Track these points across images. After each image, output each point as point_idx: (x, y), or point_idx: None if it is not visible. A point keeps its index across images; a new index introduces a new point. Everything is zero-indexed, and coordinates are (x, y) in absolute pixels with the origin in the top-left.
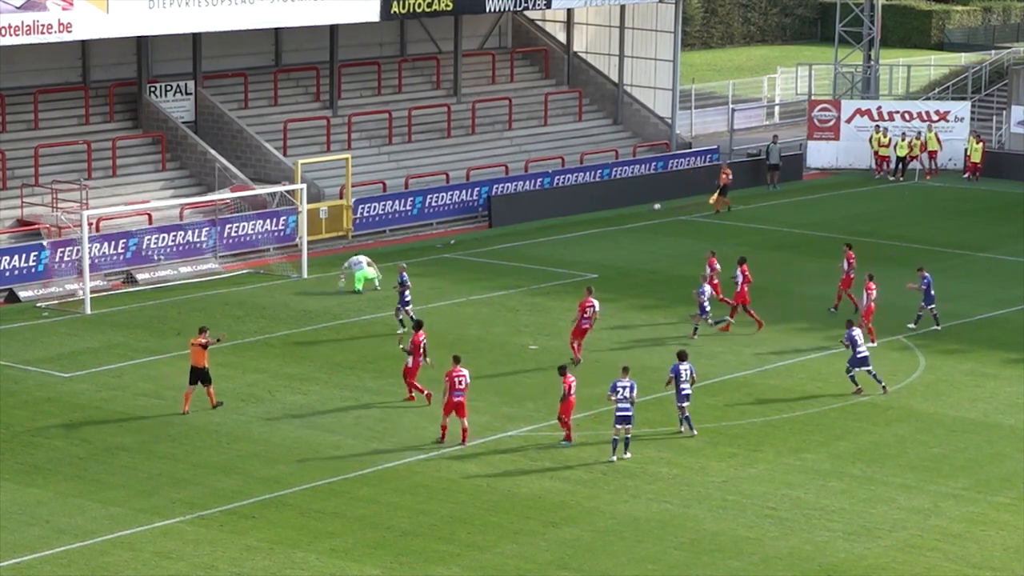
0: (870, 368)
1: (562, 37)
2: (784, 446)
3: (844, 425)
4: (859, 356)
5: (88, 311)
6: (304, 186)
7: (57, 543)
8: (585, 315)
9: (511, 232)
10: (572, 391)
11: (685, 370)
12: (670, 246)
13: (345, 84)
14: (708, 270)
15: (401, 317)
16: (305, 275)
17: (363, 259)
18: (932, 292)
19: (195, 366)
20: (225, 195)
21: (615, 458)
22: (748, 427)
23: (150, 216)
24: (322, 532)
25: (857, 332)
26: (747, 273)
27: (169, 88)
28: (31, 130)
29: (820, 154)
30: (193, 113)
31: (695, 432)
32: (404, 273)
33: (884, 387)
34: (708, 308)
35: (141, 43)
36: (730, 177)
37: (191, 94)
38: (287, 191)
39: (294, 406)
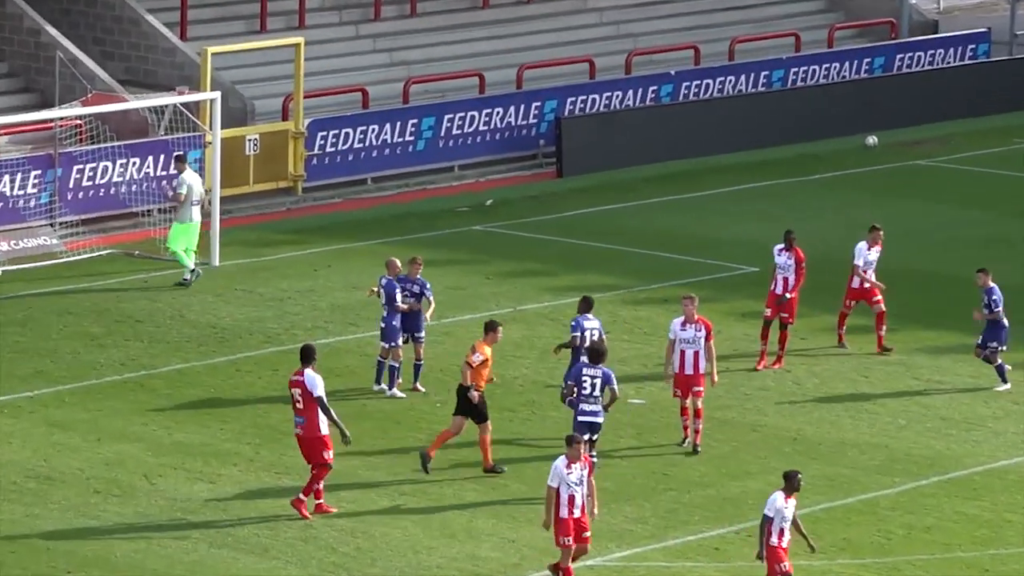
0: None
1: None
2: None
3: None
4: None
5: None
6: (218, 96)
7: None
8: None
9: (596, 185)
10: None
11: (589, 378)
12: (893, 214)
13: None
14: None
15: None
16: (217, 261)
17: (195, 183)
18: (1003, 321)
19: (462, 385)
20: (73, 111)
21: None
22: None
23: None
24: None
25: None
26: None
27: None
28: None
29: None
30: None
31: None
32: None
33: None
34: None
35: None
36: None
37: None
38: (184, 105)
39: (191, 505)
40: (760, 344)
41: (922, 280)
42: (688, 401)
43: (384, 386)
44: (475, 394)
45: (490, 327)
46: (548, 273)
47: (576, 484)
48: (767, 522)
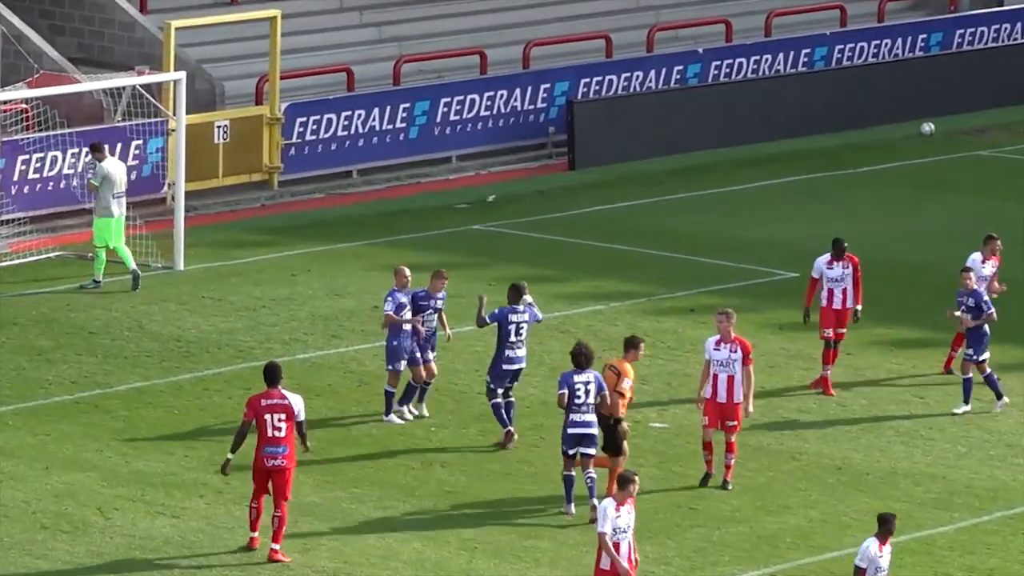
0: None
1: None
2: None
3: None
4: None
5: None
6: (182, 76)
7: None
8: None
9: (613, 179)
10: None
11: (582, 384)
12: (951, 211)
13: None
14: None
15: None
16: (181, 265)
17: (117, 172)
18: (984, 328)
19: (613, 417)
20: (18, 93)
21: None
22: None
23: None
24: None
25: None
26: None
27: None
28: None
29: None
30: None
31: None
32: None
33: None
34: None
35: None
36: None
37: None
38: (144, 87)
39: (152, 543)
40: (823, 369)
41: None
42: (719, 433)
43: (405, 409)
44: (626, 427)
45: (632, 344)
46: (558, 279)
47: (624, 531)
48: (859, 574)
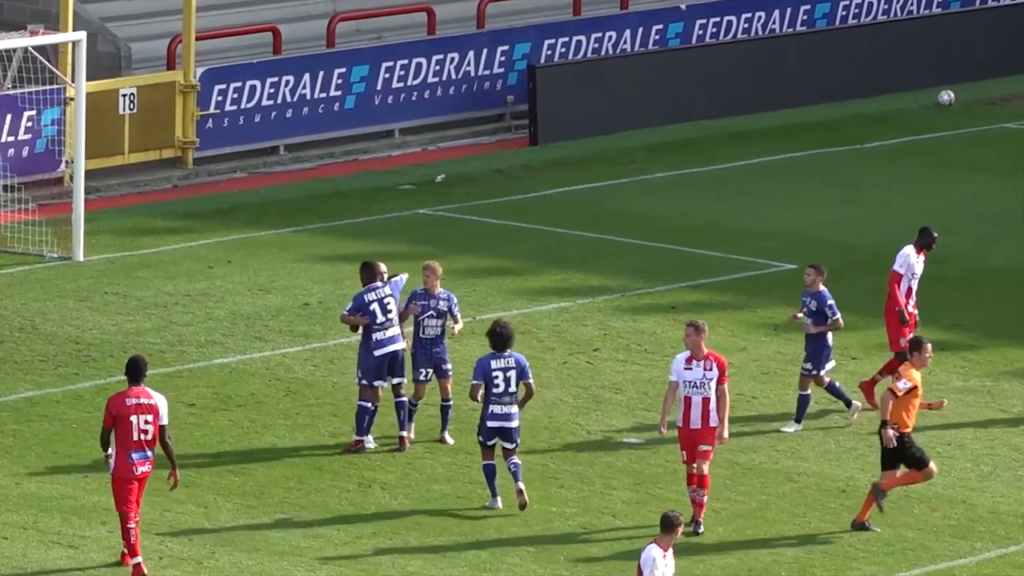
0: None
1: None
2: None
3: None
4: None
5: None
6: (82, 37)
7: None
8: None
9: (582, 156)
10: None
11: (500, 372)
12: (974, 192)
13: None
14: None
15: None
16: (80, 255)
17: None
18: (828, 339)
19: (900, 431)
20: None
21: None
22: None
23: None
24: None
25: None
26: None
27: None
28: None
29: None
30: None
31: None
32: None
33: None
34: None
35: None
36: None
37: None
38: (37, 49)
39: None
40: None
41: (1014, 280)
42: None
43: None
44: (890, 434)
45: (916, 346)
46: (518, 271)
47: None
48: None
